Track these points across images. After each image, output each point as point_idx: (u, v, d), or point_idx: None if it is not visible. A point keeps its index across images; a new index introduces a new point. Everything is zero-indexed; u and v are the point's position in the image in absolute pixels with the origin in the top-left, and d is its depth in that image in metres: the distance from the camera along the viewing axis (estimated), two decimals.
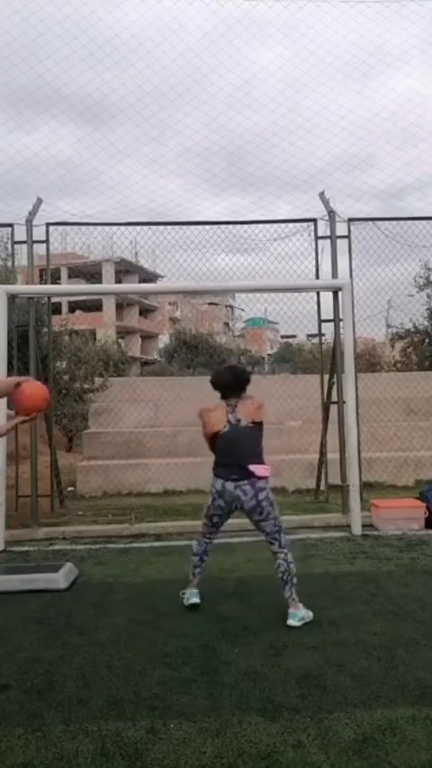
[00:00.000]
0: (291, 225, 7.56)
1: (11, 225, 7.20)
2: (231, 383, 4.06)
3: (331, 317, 7.20)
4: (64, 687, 3.04)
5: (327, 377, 7.50)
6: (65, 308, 28.82)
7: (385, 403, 9.66)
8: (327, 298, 7.28)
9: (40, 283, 9.18)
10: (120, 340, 31.57)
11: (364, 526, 6.35)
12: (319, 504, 7.63)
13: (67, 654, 3.44)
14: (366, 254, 7.75)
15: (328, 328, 7.63)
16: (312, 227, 7.41)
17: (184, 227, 7.63)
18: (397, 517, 6.41)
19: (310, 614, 3.83)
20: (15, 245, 7.34)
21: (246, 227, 7.60)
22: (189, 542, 4.71)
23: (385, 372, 15.05)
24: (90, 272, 33.34)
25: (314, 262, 7.40)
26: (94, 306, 35.86)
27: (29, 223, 7.10)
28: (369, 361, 17.54)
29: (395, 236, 7.68)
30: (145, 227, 7.56)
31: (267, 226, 7.57)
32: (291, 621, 3.75)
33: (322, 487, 7.74)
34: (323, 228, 7.34)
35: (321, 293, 7.45)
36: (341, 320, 6.86)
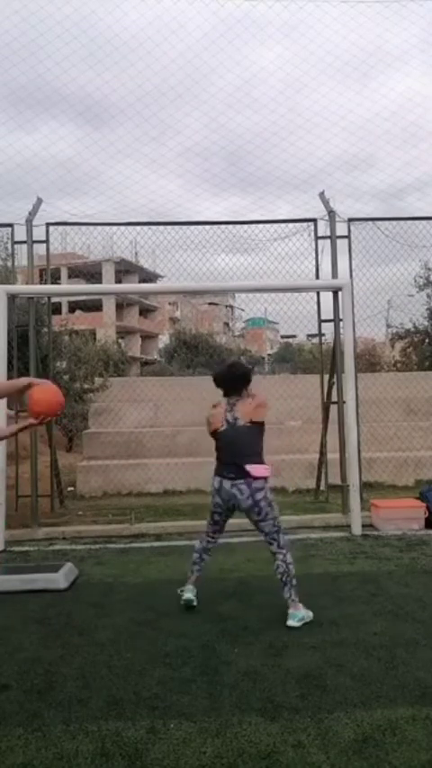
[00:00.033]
0: (291, 225, 7.57)
1: (11, 225, 7.21)
2: (230, 380, 4.05)
3: (331, 317, 7.21)
4: (64, 687, 3.04)
5: (327, 377, 7.50)
6: (65, 308, 28.82)
7: (385, 403, 9.66)
8: (327, 298, 7.29)
9: (40, 283, 9.18)
10: (120, 340, 31.56)
11: (364, 526, 6.36)
12: (319, 504, 7.63)
13: (67, 654, 3.44)
14: (366, 254, 7.77)
15: (328, 328, 7.65)
16: (312, 227, 7.42)
17: (184, 227, 7.64)
18: (397, 517, 6.42)
19: (310, 614, 3.83)
20: (15, 245, 7.35)
21: (246, 227, 7.61)
22: (189, 542, 4.72)
23: (385, 372, 15.04)
24: (90, 272, 33.34)
25: (314, 262, 7.42)
26: (94, 306, 35.85)
27: (29, 223, 7.11)
28: (369, 361, 17.54)
29: (395, 236, 7.68)
30: (145, 227, 7.57)
31: (267, 226, 7.58)
32: (290, 622, 3.75)
33: (322, 487, 7.74)
34: (323, 228, 7.35)
35: (321, 293, 7.45)
36: (341, 320, 6.86)
